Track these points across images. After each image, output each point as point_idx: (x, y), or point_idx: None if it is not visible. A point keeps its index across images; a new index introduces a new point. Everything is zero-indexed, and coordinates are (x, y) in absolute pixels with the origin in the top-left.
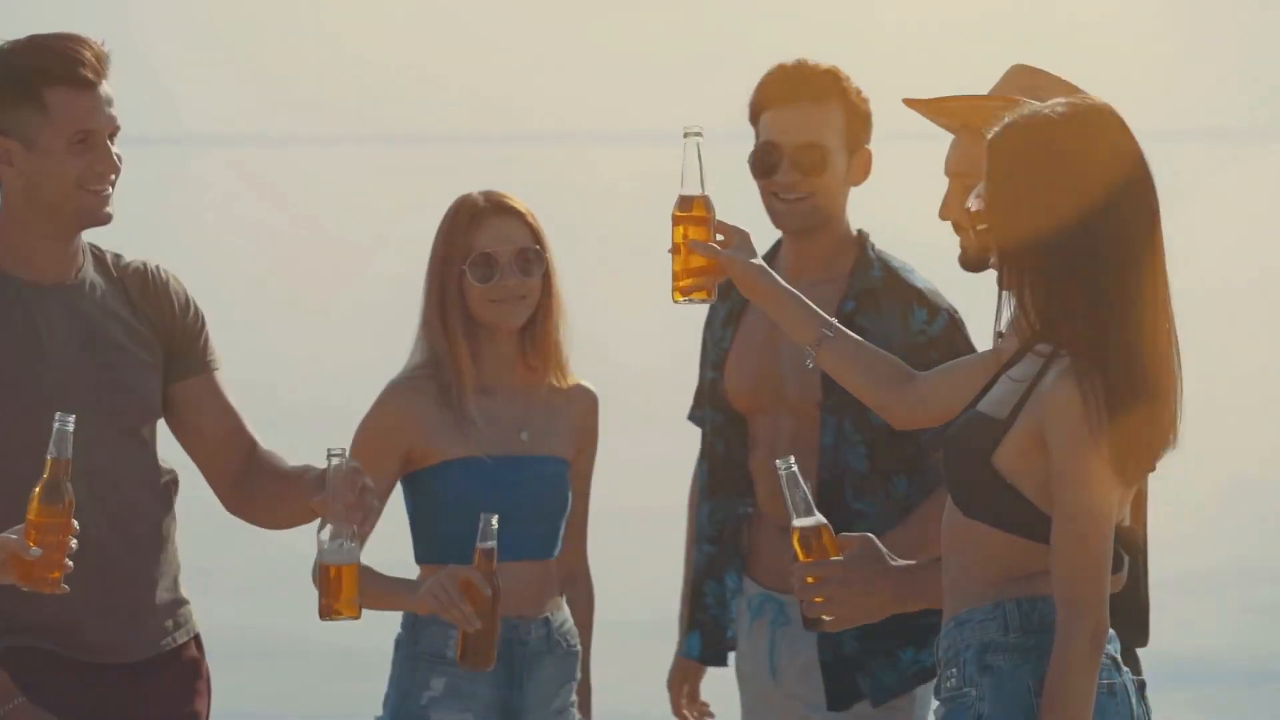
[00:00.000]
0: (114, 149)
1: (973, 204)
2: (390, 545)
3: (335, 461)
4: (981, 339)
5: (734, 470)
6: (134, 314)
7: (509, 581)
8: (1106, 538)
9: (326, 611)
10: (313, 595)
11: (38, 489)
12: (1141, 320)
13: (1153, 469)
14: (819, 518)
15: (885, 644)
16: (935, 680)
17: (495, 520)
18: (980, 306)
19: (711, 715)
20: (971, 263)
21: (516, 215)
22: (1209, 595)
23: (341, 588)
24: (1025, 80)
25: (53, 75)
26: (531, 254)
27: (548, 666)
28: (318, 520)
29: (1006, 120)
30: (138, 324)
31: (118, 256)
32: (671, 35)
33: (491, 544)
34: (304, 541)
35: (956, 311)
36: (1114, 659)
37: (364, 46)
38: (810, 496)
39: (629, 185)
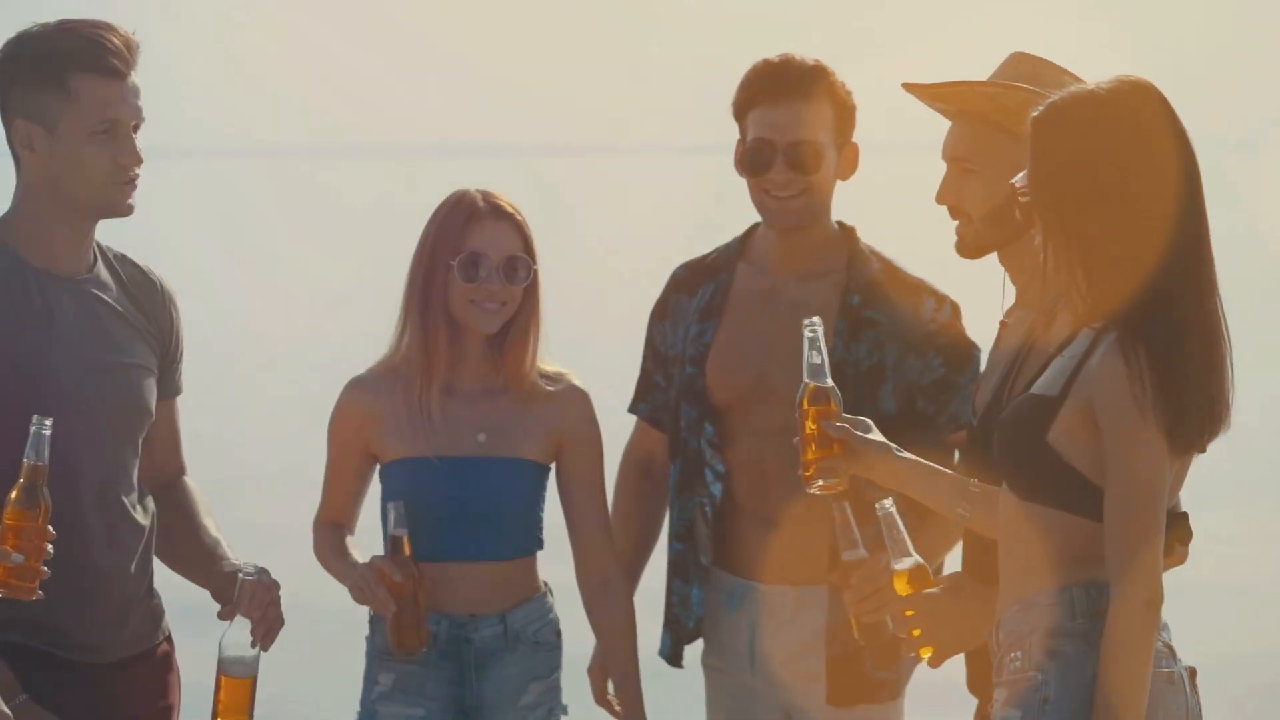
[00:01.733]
0: (137, 142)
1: (1019, 181)
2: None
3: (245, 579)
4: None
5: (699, 465)
6: (141, 318)
7: (457, 581)
8: (1158, 509)
9: (216, 718)
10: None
11: (14, 493)
12: (1188, 296)
13: (1203, 449)
14: (916, 557)
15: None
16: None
17: (403, 507)
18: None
19: None
20: (969, 249)
21: (511, 221)
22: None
23: (237, 699)
24: (1026, 67)
25: (80, 61)
26: (520, 262)
27: (509, 664)
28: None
29: (1053, 97)
30: (143, 328)
31: (122, 256)
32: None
33: (401, 531)
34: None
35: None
36: (1170, 647)
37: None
38: (907, 535)
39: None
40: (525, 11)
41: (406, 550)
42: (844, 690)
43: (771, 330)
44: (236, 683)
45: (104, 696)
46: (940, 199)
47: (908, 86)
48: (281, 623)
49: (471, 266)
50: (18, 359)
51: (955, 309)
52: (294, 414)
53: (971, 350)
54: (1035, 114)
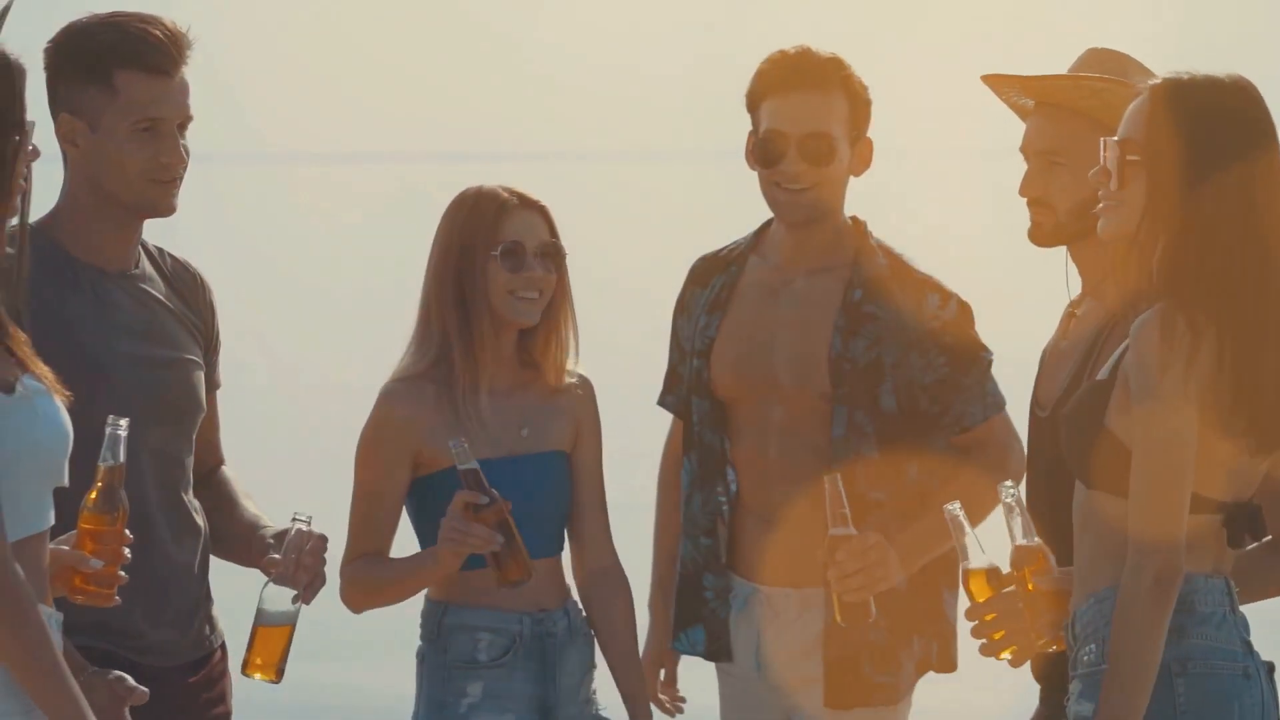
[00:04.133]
0: (183, 141)
1: (1120, 151)
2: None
3: (299, 526)
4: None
5: (717, 460)
6: (187, 311)
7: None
8: (1179, 478)
9: (247, 665)
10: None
11: (92, 496)
12: (1273, 286)
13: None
14: (989, 557)
15: (898, 636)
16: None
17: (464, 442)
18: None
19: (683, 700)
20: (1046, 238)
21: (540, 209)
22: None
23: (269, 648)
24: (1110, 62)
25: (124, 57)
26: (554, 248)
27: (573, 656)
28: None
29: (1169, 76)
30: (190, 323)
31: (161, 249)
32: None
33: (473, 465)
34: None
35: (964, 299)
36: (1247, 643)
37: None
38: (979, 539)
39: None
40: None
41: (482, 481)
42: (842, 693)
43: (775, 324)
44: (273, 631)
45: (169, 701)
46: (1025, 192)
47: (987, 78)
48: (324, 579)
49: (515, 256)
50: (75, 356)
51: (963, 308)
52: None
53: (979, 351)
54: (1157, 83)
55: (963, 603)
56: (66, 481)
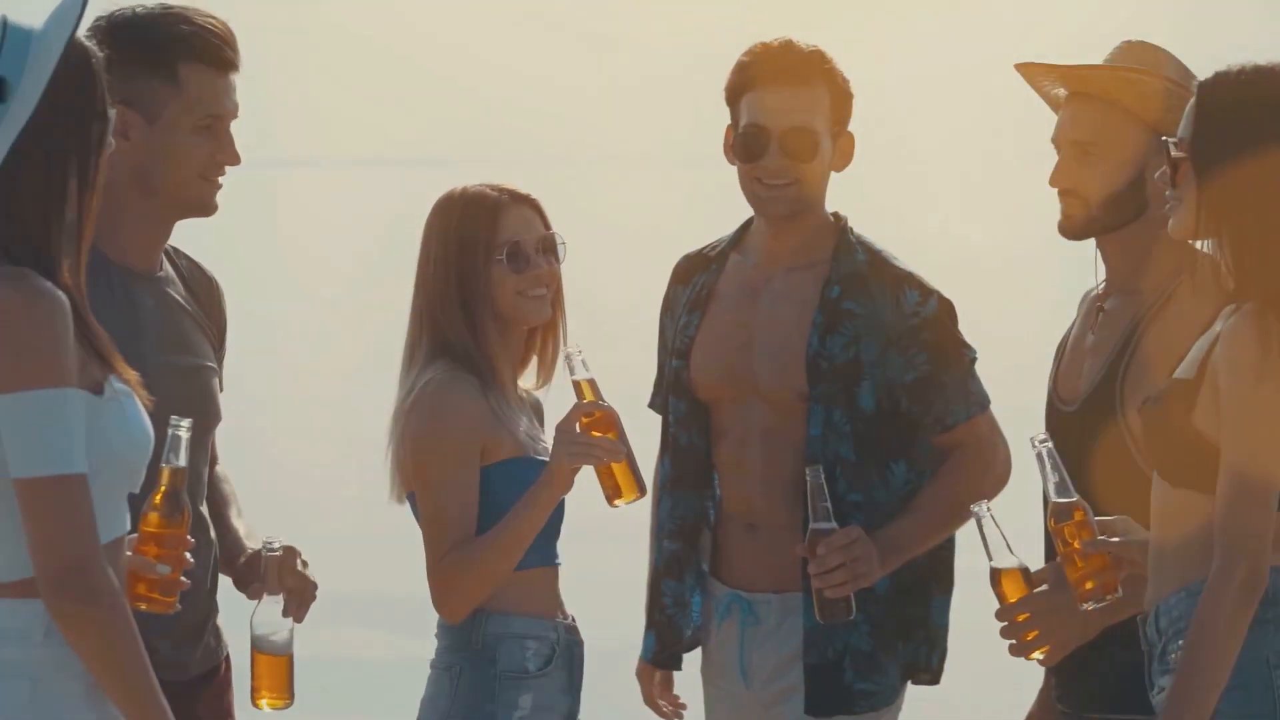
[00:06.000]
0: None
1: (1173, 150)
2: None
3: (269, 556)
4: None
5: (697, 462)
6: (203, 315)
7: (557, 587)
8: (1268, 481)
9: (258, 695)
10: None
11: (156, 498)
12: None
13: None
14: (1018, 558)
15: (882, 642)
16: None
17: (579, 351)
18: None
19: (684, 706)
20: (1077, 230)
21: (533, 204)
22: None
23: (275, 677)
24: (1148, 55)
25: (193, 50)
26: (553, 241)
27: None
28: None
29: (1220, 70)
30: (206, 326)
31: (176, 250)
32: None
33: (590, 375)
34: None
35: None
36: None
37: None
38: (1007, 537)
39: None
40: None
41: (599, 392)
42: (823, 700)
43: (754, 324)
44: (273, 660)
45: (182, 716)
46: (1056, 182)
47: (1021, 67)
48: (314, 593)
49: (519, 256)
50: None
51: (944, 304)
52: None
53: (960, 349)
54: (1206, 80)
55: (960, 608)
56: (138, 488)
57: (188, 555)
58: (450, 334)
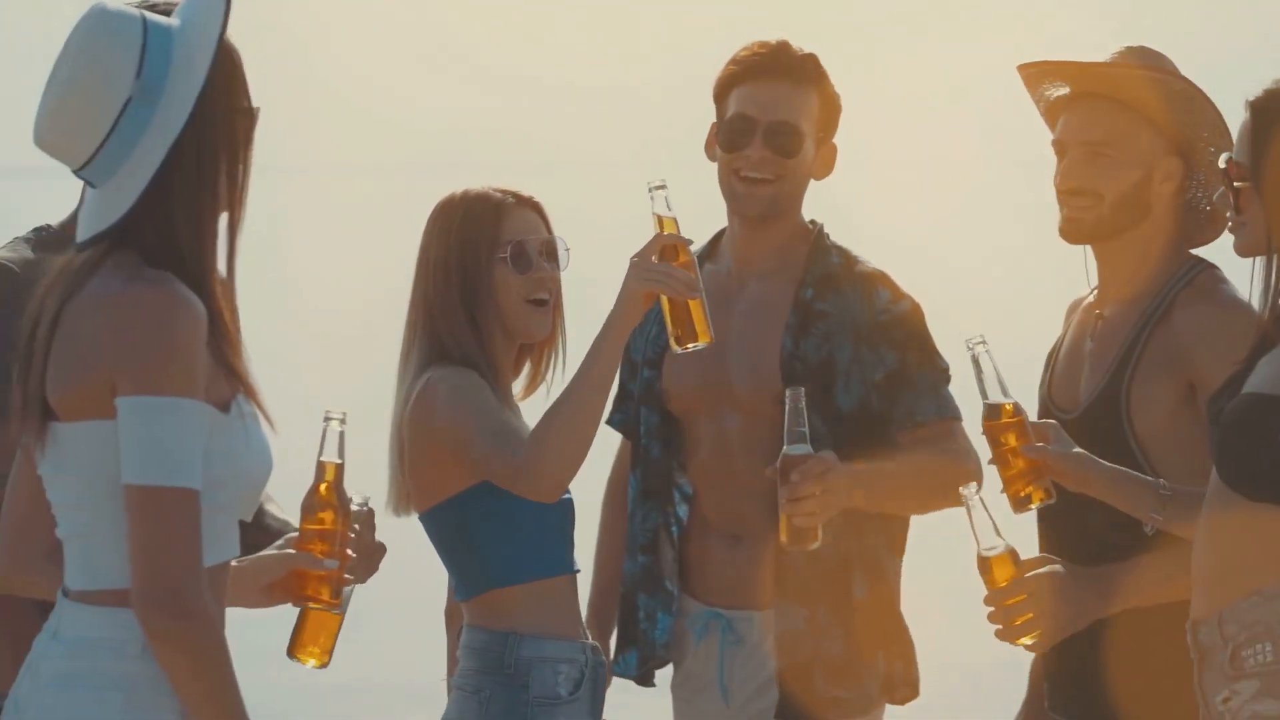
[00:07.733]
0: None
1: (1221, 162)
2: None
3: (360, 511)
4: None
5: (664, 475)
6: None
7: (576, 602)
8: None
9: (300, 649)
10: None
11: (319, 492)
12: None
13: None
14: (1006, 541)
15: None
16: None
17: (665, 185)
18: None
19: None
20: (1084, 233)
21: (536, 206)
22: None
23: (323, 634)
24: (1149, 59)
25: None
26: (556, 245)
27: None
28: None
29: (1270, 87)
30: None
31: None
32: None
33: (672, 213)
34: None
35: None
36: None
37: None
38: (995, 522)
39: None
40: None
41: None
42: (792, 705)
43: (728, 331)
44: (326, 617)
45: None
46: (1066, 182)
47: (1024, 67)
48: (383, 552)
49: (523, 257)
50: None
51: (915, 307)
52: None
53: (933, 355)
54: (1257, 98)
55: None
56: (251, 516)
57: (350, 553)
58: (449, 339)
